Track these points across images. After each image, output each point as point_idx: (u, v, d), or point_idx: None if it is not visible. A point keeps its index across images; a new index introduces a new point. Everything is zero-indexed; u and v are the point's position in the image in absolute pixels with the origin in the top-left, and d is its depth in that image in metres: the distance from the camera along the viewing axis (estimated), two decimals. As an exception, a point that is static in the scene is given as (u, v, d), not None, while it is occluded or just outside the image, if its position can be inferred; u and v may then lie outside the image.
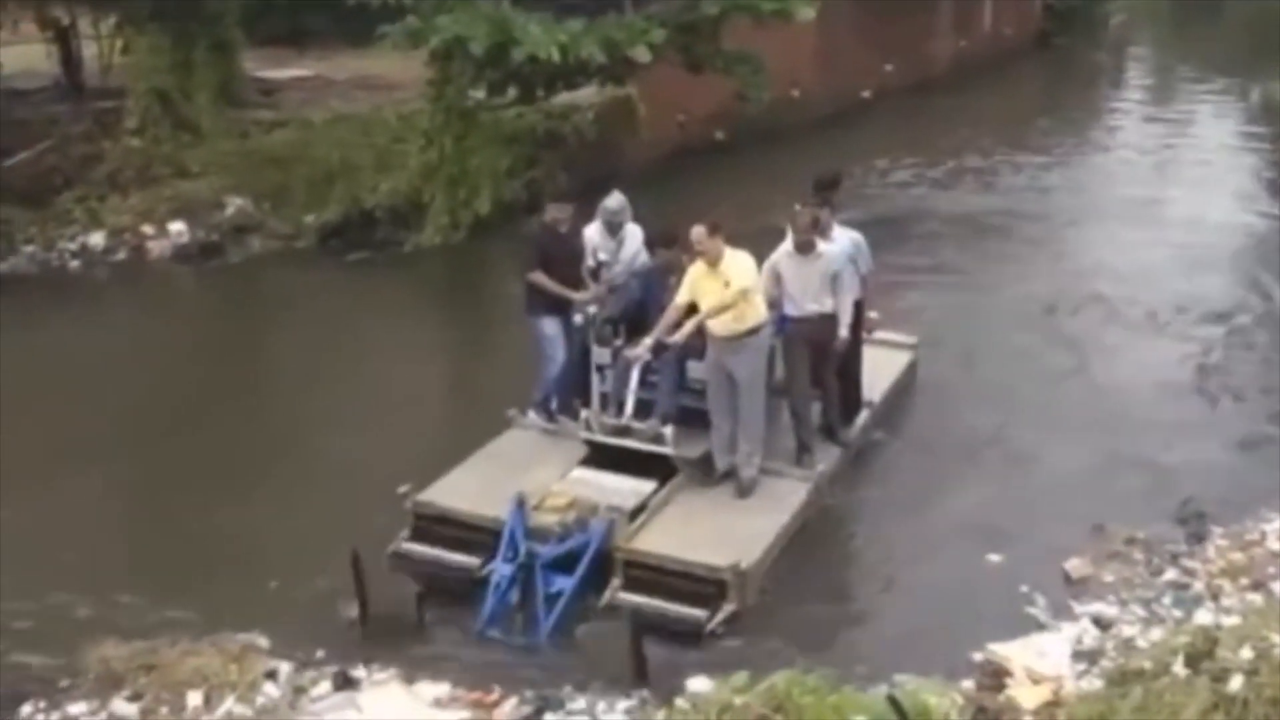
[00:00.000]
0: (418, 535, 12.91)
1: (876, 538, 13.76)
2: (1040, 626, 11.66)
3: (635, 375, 13.57)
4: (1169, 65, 46.26)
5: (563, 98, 25.15)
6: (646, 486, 13.18)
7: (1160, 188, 26.73)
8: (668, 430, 13.31)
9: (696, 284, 13.02)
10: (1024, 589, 12.25)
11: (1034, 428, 15.57)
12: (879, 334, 15.96)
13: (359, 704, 10.65)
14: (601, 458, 13.60)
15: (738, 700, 9.63)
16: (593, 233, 14.44)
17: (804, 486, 13.54)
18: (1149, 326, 18.77)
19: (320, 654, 11.59)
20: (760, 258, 13.49)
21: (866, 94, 34.11)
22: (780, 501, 13.28)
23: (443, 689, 11.18)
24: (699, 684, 10.77)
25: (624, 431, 13.51)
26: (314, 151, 24.15)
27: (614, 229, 14.39)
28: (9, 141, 23.84)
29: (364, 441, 15.42)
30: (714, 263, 12.89)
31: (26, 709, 11.24)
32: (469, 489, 13.26)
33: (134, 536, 14.32)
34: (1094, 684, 10.27)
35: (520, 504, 12.50)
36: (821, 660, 10.49)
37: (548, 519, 12.55)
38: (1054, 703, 9.98)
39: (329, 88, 28.76)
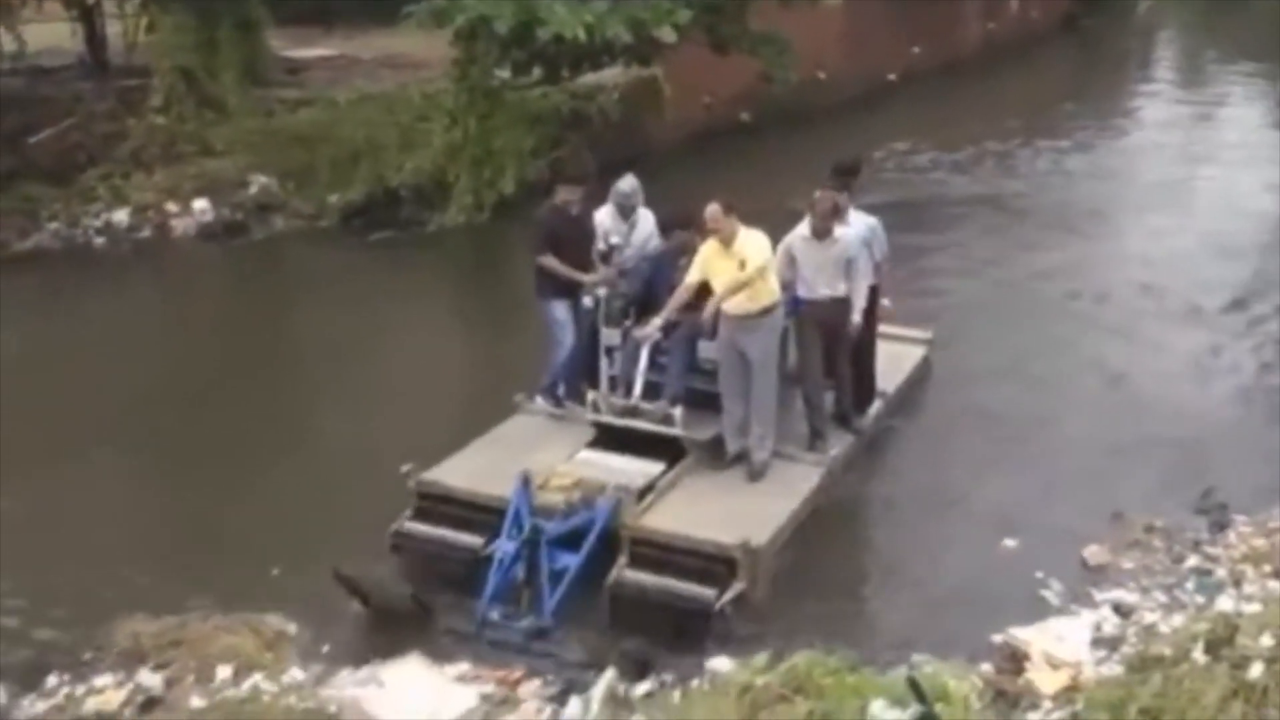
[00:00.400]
0: (420, 515, 12.80)
1: (891, 524, 13.74)
2: (1057, 611, 11.62)
3: (645, 355, 13.46)
4: (1198, 49, 46.02)
5: (588, 78, 25.17)
6: (655, 468, 13.01)
7: (1189, 173, 26.53)
8: (677, 411, 13.16)
9: (709, 263, 12.92)
10: (1039, 574, 12.20)
11: (1054, 415, 15.48)
12: (892, 329, 15.72)
13: (382, 679, 10.63)
14: (609, 439, 13.47)
15: (758, 681, 9.60)
16: (604, 216, 14.32)
17: (816, 471, 13.40)
18: (1174, 313, 18.58)
19: (327, 647, 11.61)
20: (781, 240, 13.48)
21: (893, 76, 33.99)
22: (792, 486, 13.13)
23: (463, 667, 11.21)
24: (718, 664, 10.79)
25: (632, 412, 13.38)
26: (339, 130, 24.14)
27: (626, 212, 14.29)
28: (34, 119, 23.91)
29: (380, 422, 15.43)
30: (727, 241, 12.78)
31: (51, 680, 11.30)
32: (473, 469, 13.16)
33: (149, 514, 14.33)
34: (1114, 670, 10.23)
35: (525, 482, 12.38)
36: (837, 645, 10.44)
37: (553, 498, 12.43)
38: (1072, 687, 9.93)
39: (355, 67, 28.77)
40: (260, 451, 15.09)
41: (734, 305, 12.92)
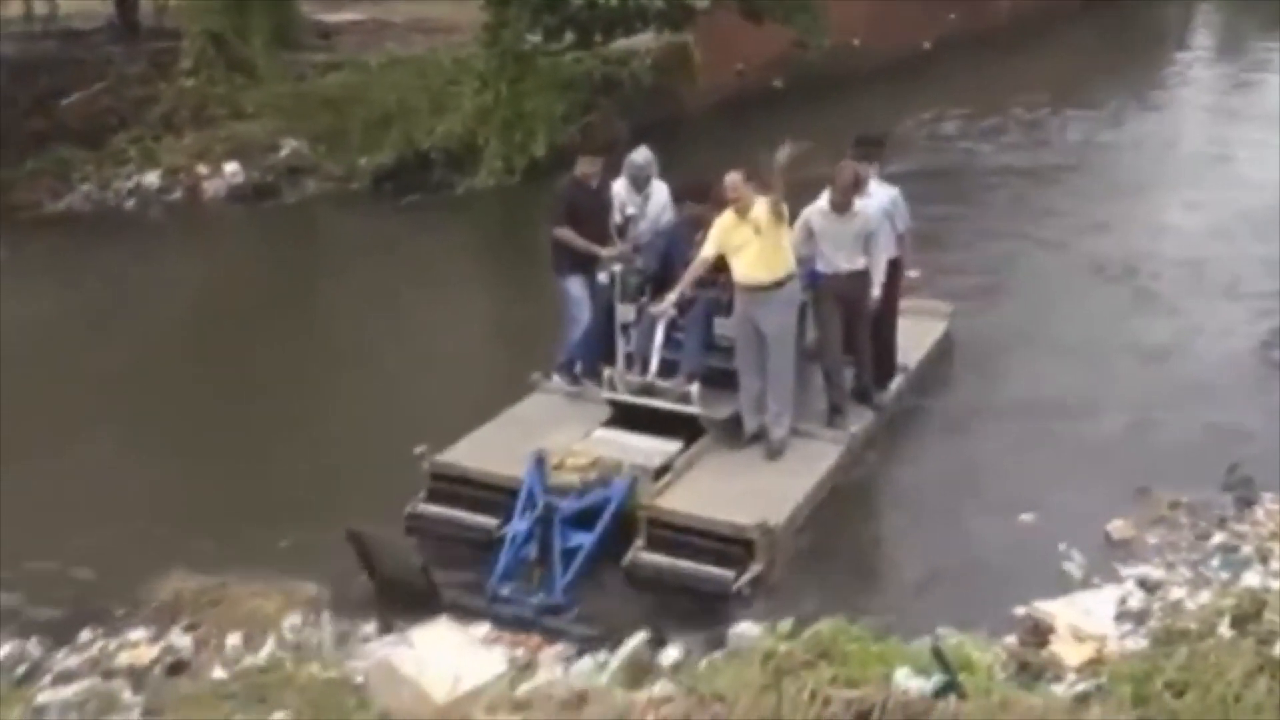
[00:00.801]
0: (434, 497, 12.73)
1: (912, 499, 13.59)
2: (1080, 584, 11.55)
3: (661, 332, 13.36)
4: (1238, 21, 45.56)
5: (620, 43, 25.02)
6: (671, 446, 12.87)
7: (1226, 145, 26.19)
8: (694, 389, 13.05)
9: (726, 234, 12.79)
10: (1063, 548, 12.12)
11: (1079, 390, 15.28)
12: (913, 303, 15.46)
13: (411, 640, 10.61)
14: (625, 418, 13.35)
15: (782, 647, 9.56)
16: (619, 188, 14.26)
17: (835, 449, 13.27)
18: (1207, 287, 18.20)
19: (355, 612, 11.63)
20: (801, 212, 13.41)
21: (927, 44, 33.76)
22: (811, 463, 13.01)
23: (483, 629, 11.20)
24: (743, 629, 10.75)
25: (649, 390, 13.28)
26: (370, 94, 24.16)
27: (640, 184, 14.21)
28: (65, 82, 24.00)
29: (405, 386, 15.43)
30: (744, 211, 12.67)
31: (84, 635, 11.36)
32: (488, 450, 13.05)
33: (177, 474, 14.34)
34: (1139, 644, 10.17)
35: (539, 461, 12.30)
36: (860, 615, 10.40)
37: (569, 477, 12.31)
38: (1097, 660, 9.87)
39: (385, 31, 28.78)
40: (286, 414, 15.12)
41: (748, 276, 12.80)
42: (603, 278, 13.84)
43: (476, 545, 12.23)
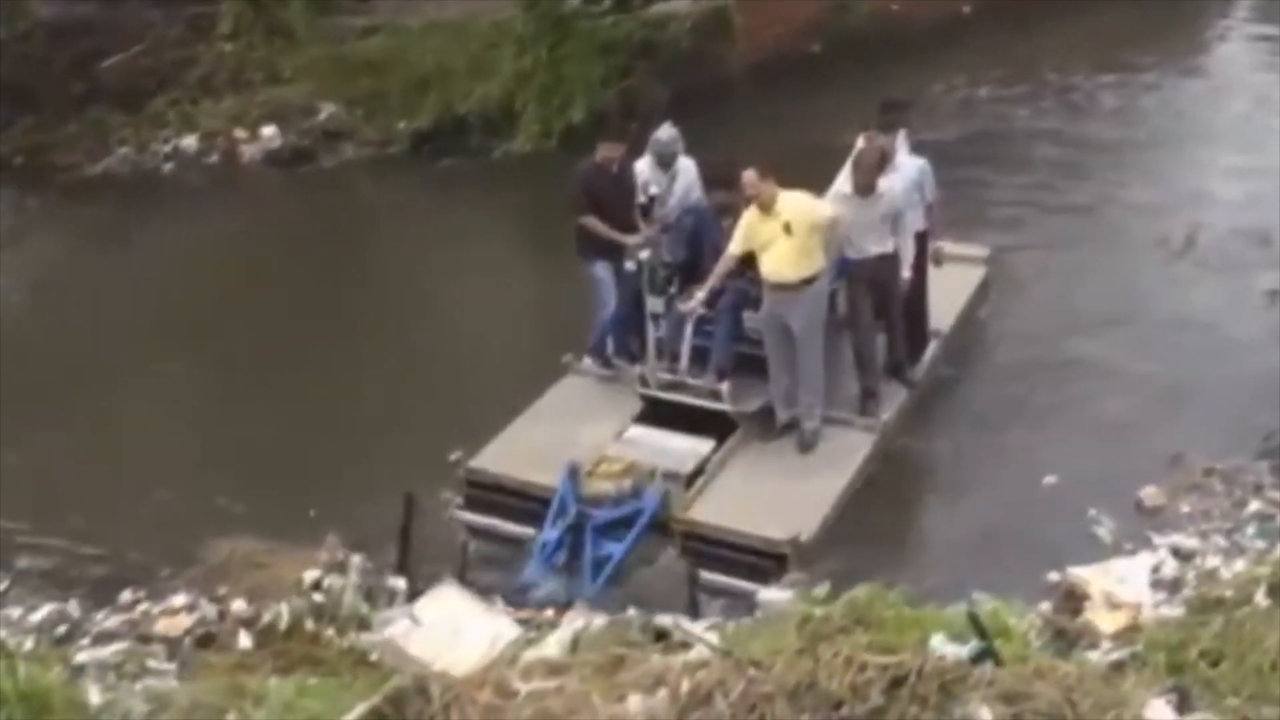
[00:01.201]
0: (471, 504, 12.85)
1: (944, 466, 13.70)
2: (1112, 550, 11.54)
3: (690, 329, 13.37)
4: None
5: (659, 7, 24.87)
6: (704, 446, 12.96)
7: (1269, 113, 25.98)
8: (725, 387, 13.12)
9: (752, 231, 12.78)
10: (1094, 515, 12.13)
11: (1114, 355, 15.22)
12: (951, 246, 15.05)
13: (416, 616, 10.62)
14: (657, 413, 13.41)
15: (818, 612, 9.57)
16: (643, 167, 14.11)
17: (869, 439, 13.31)
18: (1245, 255, 17.92)
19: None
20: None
21: (966, 8, 33.49)
22: (844, 457, 13.06)
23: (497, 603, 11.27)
24: (771, 594, 10.80)
25: (680, 386, 13.33)
26: (408, 58, 24.07)
27: (665, 162, 14.06)
28: (104, 45, 24.01)
29: (438, 359, 15.60)
30: (768, 206, 12.64)
31: (125, 595, 11.45)
32: (522, 453, 13.10)
33: (211, 437, 14.50)
34: (1174, 612, 10.14)
35: (573, 473, 12.34)
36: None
37: (602, 485, 12.38)
38: (1132, 628, 9.85)
39: (424, -7, 28.65)
40: (319, 380, 15.21)
41: (776, 274, 12.76)
42: (630, 265, 13.74)
43: (513, 544, 12.38)
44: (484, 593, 11.55)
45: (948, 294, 15.06)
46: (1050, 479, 12.82)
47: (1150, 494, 12.47)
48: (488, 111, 22.90)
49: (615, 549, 11.86)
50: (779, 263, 12.72)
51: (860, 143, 13.70)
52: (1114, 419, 13.94)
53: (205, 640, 10.96)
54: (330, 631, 10.86)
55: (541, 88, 22.66)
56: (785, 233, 12.60)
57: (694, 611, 10.99)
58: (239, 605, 11.31)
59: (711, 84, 22.82)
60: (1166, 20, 32.24)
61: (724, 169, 13.65)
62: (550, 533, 12.01)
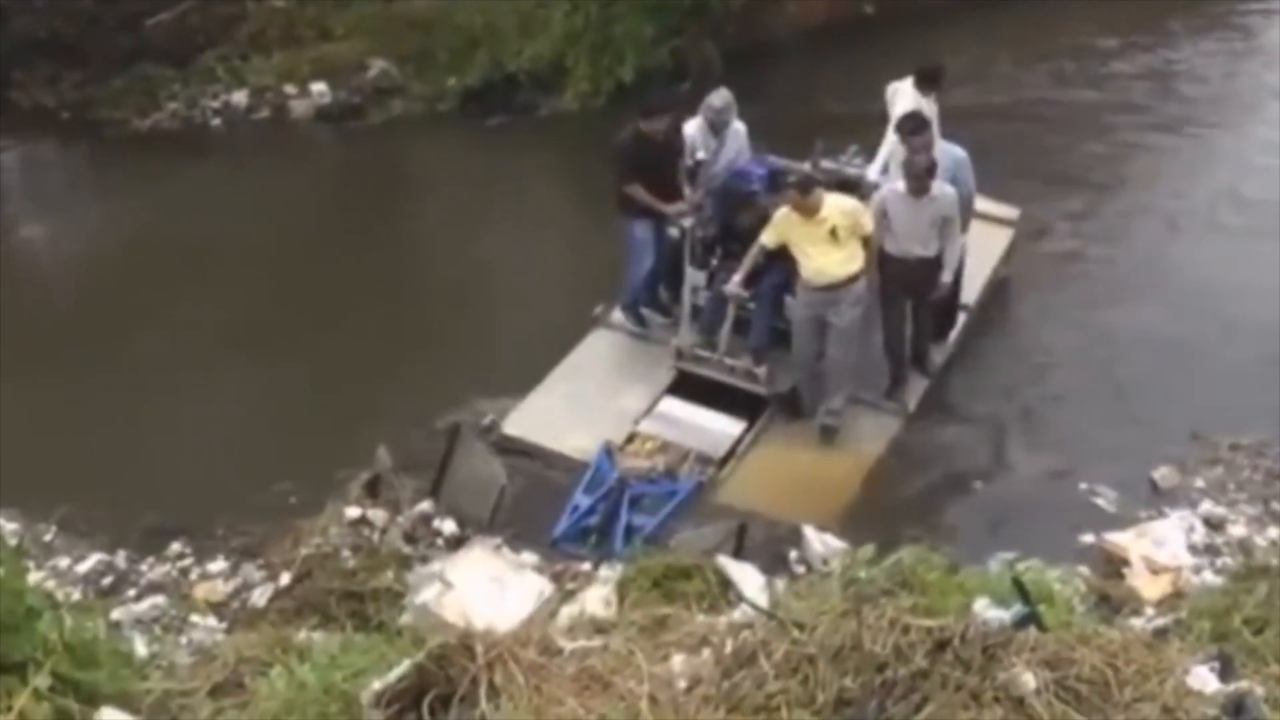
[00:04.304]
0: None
1: (964, 440, 13.80)
2: (1124, 520, 11.60)
3: (731, 312, 13.43)
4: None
5: (711, -35, 24.81)
6: (736, 428, 13.22)
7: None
8: (761, 371, 13.26)
9: (790, 230, 12.84)
10: (1083, 486, 12.19)
11: (1140, 328, 15.29)
12: (980, 203, 14.95)
13: (447, 578, 10.67)
14: (690, 385, 13.54)
15: (863, 574, 9.60)
16: (693, 130, 14.14)
17: (895, 423, 13.55)
18: (1275, 227, 17.59)
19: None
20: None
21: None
22: (870, 442, 13.30)
23: (529, 556, 11.33)
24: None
25: (716, 364, 13.46)
26: (457, 16, 23.94)
27: (717, 128, 14.09)
28: (152, 1, 23.93)
29: (480, 316, 15.61)
30: (811, 214, 12.67)
31: (174, 546, 11.49)
32: (554, 419, 13.26)
33: (247, 390, 14.58)
34: (1212, 578, 10.16)
35: (609, 452, 12.59)
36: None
37: (637, 463, 12.64)
38: (1175, 595, 9.86)
39: (476, -49, 28.57)
40: (364, 336, 15.28)
41: (821, 275, 12.84)
42: (673, 232, 13.81)
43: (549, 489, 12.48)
44: (513, 541, 11.64)
45: (976, 258, 14.96)
46: (1082, 463, 12.86)
47: (1163, 474, 12.51)
48: (538, 70, 22.87)
49: (647, 522, 12.02)
50: (825, 263, 12.83)
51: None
52: (1135, 392, 14.03)
53: (241, 620, 11.09)
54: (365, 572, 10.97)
55: (591, 46, 22.60)
56: (831, 236, 12.65)
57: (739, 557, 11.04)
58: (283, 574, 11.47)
59: (762, 44, 22.74)
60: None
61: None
62: (583, 498, 12.12)
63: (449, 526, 11.92)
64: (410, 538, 11.79)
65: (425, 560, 11.51)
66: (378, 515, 11.85)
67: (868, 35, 24.71)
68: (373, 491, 12.10)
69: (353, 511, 11.85)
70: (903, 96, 14.19)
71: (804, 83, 21.03)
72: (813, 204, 12.70)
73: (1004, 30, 26.06)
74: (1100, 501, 12.38)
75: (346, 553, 11.39)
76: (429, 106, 23.18)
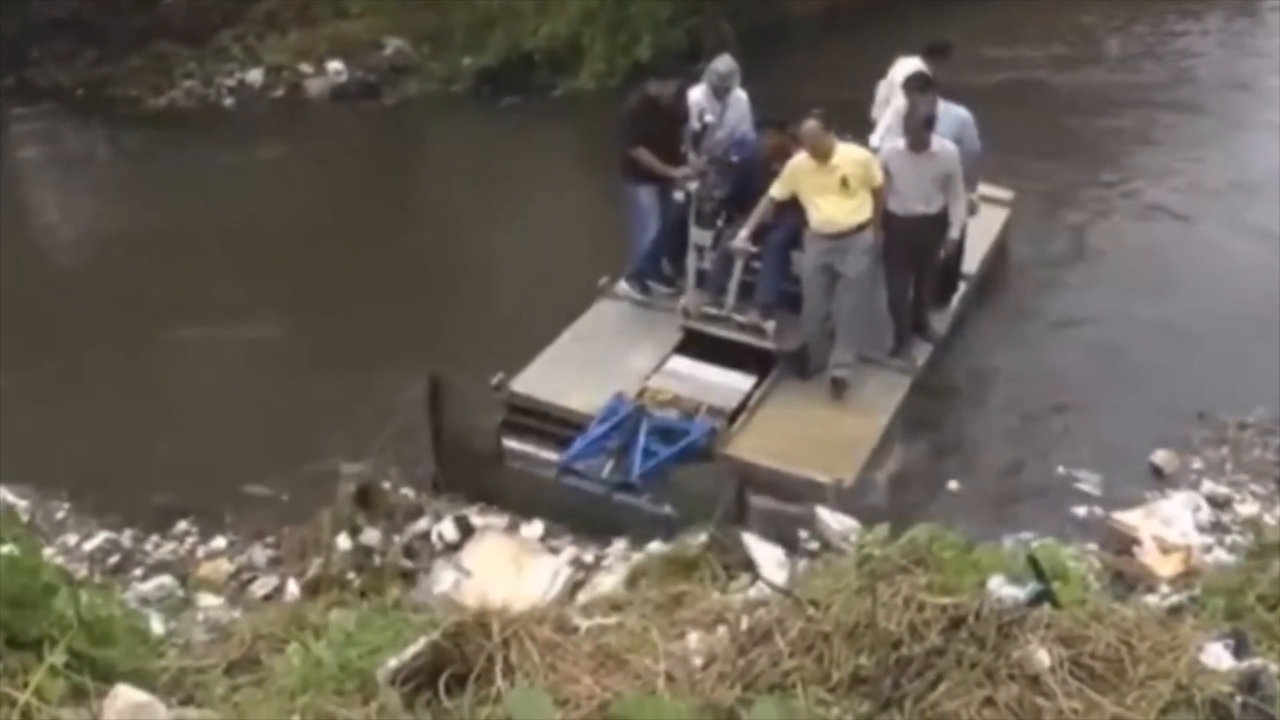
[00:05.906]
0: (510, 428, 12.86)
1: (965, 422, 13.88)
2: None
3: (739, 269, 13.44)
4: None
5: (727, -56, 24.76)
6: (745, 383, 13.14)
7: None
8: (769, 325, 13.27)
9: (802, 178, 12.81)
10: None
11: (1139, 310, 15.31)
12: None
13: (463, 567, 10.68)
14: (698, 344, 13.53)
15: (877, 552, 9.59)
16: (698, 95, 14.20)
17: (904, 380, 13.51)
18: None
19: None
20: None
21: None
22: (880, 400, 13.24)
23: (537, 529, 11.31)
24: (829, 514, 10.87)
25: (724, 321, 13.47)
26: (474, -5, 24.02)
27: (721, 93, 14.15)
28: (167, -20, 24.00)
29: (491, 292, 15.59)
30: (824, 157, 12.65)
31: (181, 525, 11.53)
32: (563, 377, 13.22)
33: (261, 369, 14.73)
34: (1222, 556, 10.17)
35: (619, 398, 12.50)
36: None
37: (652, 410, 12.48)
38: (1188, 572, 9.87)
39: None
40: (365, 319, 15.31)
41: (831, 223, 12.81)
42: (678, 196, 13.82)
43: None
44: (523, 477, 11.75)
45: (974, 235, 15.02)
46: (1086, 446, 12.88)
47: (1163, 456, 12.53)
48: (554, 49, 22.87)
49: (664, 450, 11.96)
50: (835, 212, 12.82)
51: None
52: (1137, 373, 13.98)
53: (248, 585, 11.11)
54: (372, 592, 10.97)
55: (608, 25, 22.62)
56: (842, 185, 12.63)
57: (741, 520, 11.00)
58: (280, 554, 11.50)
59: (779, 24, 22.74)
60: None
61: (778, 115, 13.84)
62: (598, 427, 12.13)
63: (448, 530, 11.85)
64: (411, 552, 11.71)
65: (429, 571, 11.47)
66: (373, 537, 11.67)
67: (883, 14, 24.67)
68: (365, 501, 11.94)
69: (345, 543, 11.65)
70: (900, 70, 14.18)
71: (818, 63, 21.02)
72: (827, 146, 12.70)
73: (1013, 13, 26.00)
74: (1085, 486, 12.40)
75: (351, 574, 11.35)
76: (444, 86, 23.30)
